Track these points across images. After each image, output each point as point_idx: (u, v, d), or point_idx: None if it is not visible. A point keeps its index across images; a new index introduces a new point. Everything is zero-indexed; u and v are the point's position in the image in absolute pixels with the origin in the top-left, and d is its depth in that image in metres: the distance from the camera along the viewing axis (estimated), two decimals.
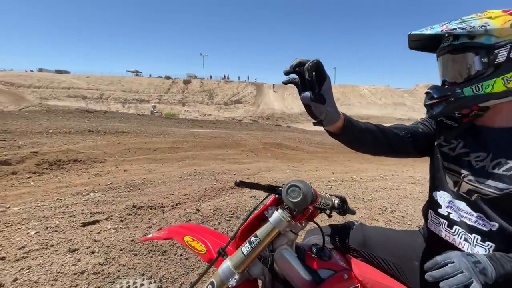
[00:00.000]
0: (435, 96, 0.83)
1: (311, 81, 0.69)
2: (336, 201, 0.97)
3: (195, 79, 54.84)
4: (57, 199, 3.20)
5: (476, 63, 0.77)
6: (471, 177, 0.82)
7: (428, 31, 0.82)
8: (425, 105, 0.86)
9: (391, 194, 4.14)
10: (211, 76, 56.73)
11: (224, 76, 55.01)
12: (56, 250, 2.02)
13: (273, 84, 48.03)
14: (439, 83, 0.88)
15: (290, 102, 43.41)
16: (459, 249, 0.82)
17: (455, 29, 0.77)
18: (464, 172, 0.84)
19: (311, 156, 8.34)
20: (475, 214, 0.80)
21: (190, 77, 56.06)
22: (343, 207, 1.01)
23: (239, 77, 52.97)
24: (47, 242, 2.15)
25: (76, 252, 1.95)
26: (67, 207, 2.95)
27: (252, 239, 0.76)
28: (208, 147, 8.07)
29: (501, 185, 0.74)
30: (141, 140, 7.66)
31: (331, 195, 0.99)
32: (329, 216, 0.95)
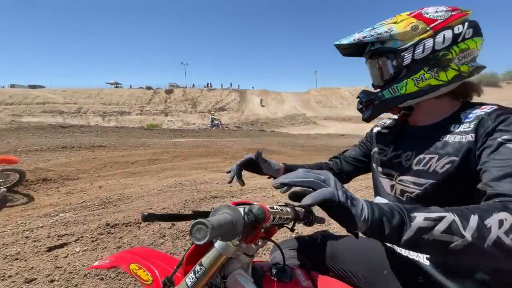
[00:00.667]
0: (364, 101, 0.86)
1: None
2: (301, 212, 0.91)
3: (177, 88, 54.21)
4: (21, 223, 2.95)
5: (388, 66, 0.82)
6: (401, 177, 0.82)
7: (345, 40, 0.86)
8: (358, 110, 0.90)
9: (372, 192, 4.18)
10: (193, 85, 56.31)
11: (207, 84, 54.77)
12: (13, 281, 1.83)
13: (261, 99, 47.81)
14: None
15: (274, 107, 43.79)
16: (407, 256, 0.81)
17: (365, 37, 0.81)
18: (395, 173, 0.85)
19: (294, 159, 8.35)
20: None
21: (172, 87, 55.35)
22: (308, 218, 0.95)
23: (222, 85, 53.03)
24: (4, 273, 1.95)
25: (33, 282, 1.77)
26: (32, 231, 2.72)
27: (197, 268, 0.67)
28: (190, 156, 7.90)
29: (422, 180, 0.75)
30: (118, 154, 7.37)
31: (295, 206, 0.92)
32: (291, 230, 0.88)
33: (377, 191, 0.96)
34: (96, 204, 3.68)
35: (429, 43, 0.75)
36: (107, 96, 49.96)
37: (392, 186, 0.87)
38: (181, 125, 32.60)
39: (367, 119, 0.87)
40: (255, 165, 1.11)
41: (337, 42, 0.88)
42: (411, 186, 0.78)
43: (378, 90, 0.84)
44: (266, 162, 1.12)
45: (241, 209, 0.62)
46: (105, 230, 2.76)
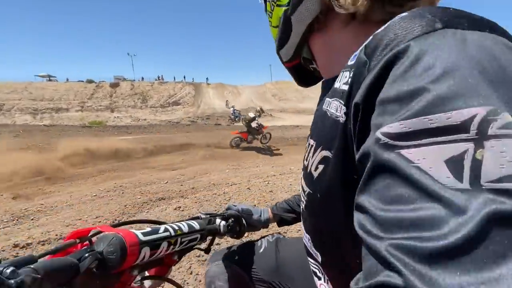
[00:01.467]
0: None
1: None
2: (222, 224, 0.68)
3: (124, 81, 49.70)
4: None
5: None
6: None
7: None
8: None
9: None
10: (142, 78, 52.26)
11: (158, 77, 51.36)
12: None
13: (207, 79, 46.80)
14: None
15: (231, 100, 43.22)
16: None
17: None
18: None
19: (252, 153, 8.22)
20: (306, 235, 0.50)
21: (118, 80, 50.55)
22: (234, 229, 0.72)
23: (174, 78, 50.22)
24: None
25: None
26: None
27: None
28: (136, 155, 7.16)
29: (303, 185, 0.44)
30: (44, 157, 6.29)
31: (214, 215, 0.71)
32: (206, 251, 0.66)
33: None
34: (5, 220, 2.98)
35: None
36: (38, 91, 43.41)
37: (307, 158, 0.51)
38: (130, 121, 30.05)
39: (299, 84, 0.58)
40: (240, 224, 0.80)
41: None
42: (301, 190, 0.48)
43: None
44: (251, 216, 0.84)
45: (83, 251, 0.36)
46: (11, 253, 2.20)
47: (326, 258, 0.43)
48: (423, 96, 0.20)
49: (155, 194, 3.67)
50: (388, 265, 0.17)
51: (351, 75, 0.29)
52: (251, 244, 0.85)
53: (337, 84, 0.34)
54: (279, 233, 0.90)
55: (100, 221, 2.87)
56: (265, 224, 0.86)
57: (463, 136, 0.18)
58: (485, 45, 0.21)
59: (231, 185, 4.04)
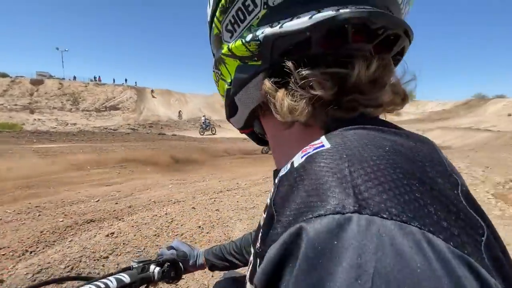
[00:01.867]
0: None
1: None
2: (157, 270, 0.66)
3: (50, 79, 43.11)
4: None
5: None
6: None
7: None
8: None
9: None
10: (75, 77, 46.26)
11: (94, 78, 46.18)
12: None
13: (152, 89, 44.02)
14: None
15: (177, 108, 41.49)
16: None
17: None
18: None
19: (198, 166, 7.95)
20: None
21: (43, 76, 43.59)
22: (169, 274, 0.71)
23: (114, 80, 45.73)
24: None
25: None
26: None
27: None
28: (60, 167, 6.20)
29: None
30: None
31: (148, 262, 0.68)
32: None
33: None
34: None
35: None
36: None
37: None
38: (55, 125, 25.94)
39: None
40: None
41: None
42: None
43: None
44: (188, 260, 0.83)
45: None
46: None
47: None
48: None
49: (83, 215, 3.20)
50: None
51: (266, 212, 0.26)
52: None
53: (267, 200, 0.28)
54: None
55: (4, 254, 2.35)
56: (200, 268, 0.87)
57: None
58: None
59: (174, 203, 3.81)
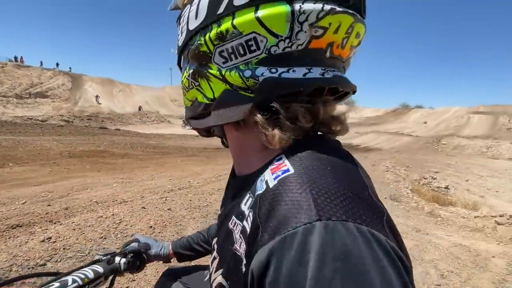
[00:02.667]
0: None
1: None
2: (123, 261, 0.71)
3: None
4: None
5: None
6: (214, 253, 0.50)
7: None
8: None
9: (223, 194, 4.40)
10: None
11: (15, 58, 39.01)
12: None
13: (97, 96, 36.13)
14: None
15: (121, 99, 37.97)
16: None
17: None
18: (214, 243, 0.52)
19: (145, 163, 7.50)
20: None
21: None
22: (135, 265, 0.76)
23: (41, 63, 39.28)
24: None
25: None
26: None
27: None
28: None
29: (216, 273, 0.44)
30: None
31: (113, 254, 0.72)
32: (109, 286, 0.66)
33: None
34: None
35: (184, 16, 0.43)
36: None
37: (212, 262, 0.50)
38: None
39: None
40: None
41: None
42: (212, 273, 0.47)
43: None
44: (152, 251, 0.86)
45: None
46: None
47: None
48: None
49: (5, 220, 2.77)
50: None
51: (250, 219, 0.35)
52: (202, 269, 0.88)
53: (244, 208, 0.38)
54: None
55: None
56: (165, 259, 0.89)
57: None
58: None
59: (121, 203, 3.57)
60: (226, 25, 0.36)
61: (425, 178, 8.38)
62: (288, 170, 0.34)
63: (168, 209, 3.36)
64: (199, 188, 4.66)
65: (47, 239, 2.19)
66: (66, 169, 5.73)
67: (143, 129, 18.73)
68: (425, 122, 33.91)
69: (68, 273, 0.55)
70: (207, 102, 0.42)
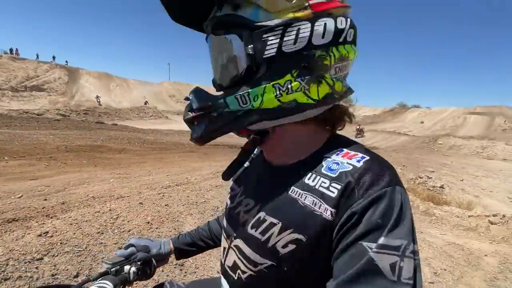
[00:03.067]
0: (195, 108, 0.50)
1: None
2: (132, 271, 0.68)
3: None
4: None
5: (239, 53, 0.47)
6: (235, 242, 0.57)
7: None
8: (185, 121, 0.53)
9: (222, 191, 4.41)
10: None
11: (11, 50, 38.52)
12: None
13: (97, 96, 33.24)
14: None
15: (118, 94, 37.70)
16: None
17: None
18: (232, 232, 0.59)
19: (143, 159, 7.47)
20: None
21: None
22: (145, 272, 0.73)
23: (37, 56, 38.84)
24: None
25: None
26: None
27: None
28: None
29: (257, 258, 0.51)
30: None
31: (121, 263, 0.69)
32: None
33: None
34: None
35: (305, 29, 0.46)
36: None
37: (224, 251, 0.62)
38: None
39: (198, 141, 0.52)
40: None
41: None
42: (245, 262, 0.53)
43: (221, 93, 0.52)
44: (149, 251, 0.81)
45: None
46: None
47: None
48: (387, 229, 0.40)
49: (1, 214, 2.76)
50: None
51: (338, 188, 0.45)
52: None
53: (312, 183, 0.49)
54: (171, 282, 0.86)
55: None
56: (166, 256, 0.85)
57: (397, 253, 0.39)
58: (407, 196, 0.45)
59: (118, 199, 3.56)
60: (343, 51, 0.50)
61: (420, 177, 8.46)
62: (365, 157, 0.48)
63: (165, 205, 3.36)
64: (197, 185, 4.67)
65: (44, 233, 2.19)
66: (62, 163, 5.70)
67: (141, 125, 18.64)
68: (422, 122, 34.12)
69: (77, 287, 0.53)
70: (309, 102, 0.49)
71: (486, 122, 29.02)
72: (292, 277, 0.48)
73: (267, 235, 0.50)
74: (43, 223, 2.47)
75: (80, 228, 2.37)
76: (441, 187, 7.72)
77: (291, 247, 0.47)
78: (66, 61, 41.59)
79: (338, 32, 0.48)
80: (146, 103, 33.46)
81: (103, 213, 2.82)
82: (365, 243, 0.39)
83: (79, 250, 2.06)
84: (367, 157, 0.48)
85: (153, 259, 0.77)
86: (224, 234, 0.64)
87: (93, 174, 5.09)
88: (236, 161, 0.60)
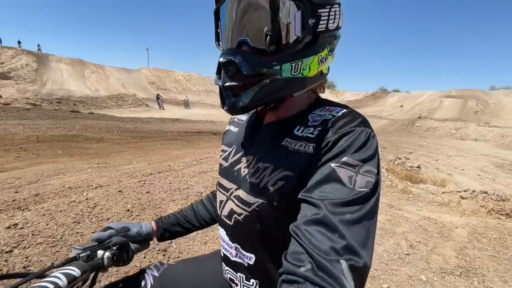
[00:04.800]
0: (245, 73, 0.49)
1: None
2: (106, 255, 0.62)
3: None
4: None
5: (296, 23, 0.49)
6: (236, 192, 0.62)
7: None
8: (224, 88, 0.52)
9: (206, 177, 4.37)
10: None
11: None
12: None
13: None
14: (224, 42, 0.57)
15: (95, 82, 35.68)
16: None
17: None
18: (232, 186, 0.64)
19: (122, 148, 7.21)
20: (233, 245, 0.63)
21: None
22: (121, 257, 0.66)
23: (0, 40, 35.70)
24: None
25: None
26: None
27: None
28: None
29: (251, 199, 0.57)
30: None
31: (93, 248, 0.63)
32: (91, 283, 0.60)
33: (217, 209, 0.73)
34: None
35: (338, 12, 0.54)
36: None
37: (221, 203, 0.67)
38: None
39: (243, 109, 0.52)
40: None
41: None
42: (240, 205, 0.60)
43: (266, 58, 0.51)
44: (132, 234, 0.77)
45: None
46: None
47: (261, 256, 0.59)
48: (350, 152, 0.48)
49: None
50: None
51: (319, 129, 0.53)
52: (133, 280, 0.74)
53: (300, 134, 0.55)
54: (160, 262, 0.81)
55: None
56: (148, 237, 0.80)
57: (353, 170, 0.46)
58: (375, 137, 0.52)
59: (96, 188, 3.43)
60: (338, 38, 0.59)
61: (399, 159, 8.80)
62: (343, 109, 0.55)
63: (146, 192, 3.28)
64: (180, 171, 4.59)
65: (13, 225, 2.06)
66: (34, 154, 5.38)
67: (120, 113, 17.89)
68: (402, 106, 35.22)
69: (38, 275, 0.48)
70: (325, 73, 0.61)
71: (460, 105, 30.41)
72: (280, 210, 0.54)
73: (260, 178, 0.56)
74: (13, 216, 2.33)
75: (54, 219, 2.26)
76: (418, 167, 8.09)
77: (280, 183, 0.53)
78: (39, 45, 38.43)
79: (342, 17, 0.57)
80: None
81: (79, 202, 2.70)
82: (331, 163, 0.47)
83: (53, 241, 1.96)
84: (345, 110, 0.55)
85: (130, 244, 0.70)
86: (221, 190, 0.68)
87: (69, 164, 4.85)
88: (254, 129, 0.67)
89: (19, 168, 4.39)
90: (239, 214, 0.60)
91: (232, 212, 0.63)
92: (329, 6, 0.52)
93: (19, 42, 36.56)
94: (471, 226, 3.34)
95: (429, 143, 12.72)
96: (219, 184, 0.70)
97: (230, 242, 0.64)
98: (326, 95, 0.68)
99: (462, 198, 4.49)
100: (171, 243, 2.41)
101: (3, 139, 6.19)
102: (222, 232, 0.68)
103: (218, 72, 0.54)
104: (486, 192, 4.58)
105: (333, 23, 0.54)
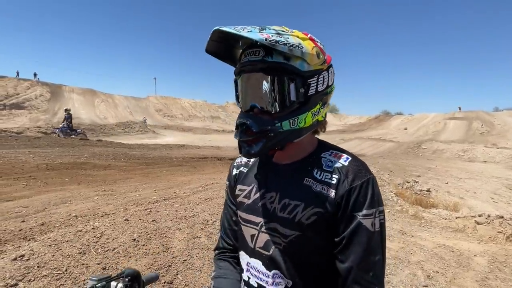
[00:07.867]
0: (255, 131, 0.66)
1: None
2: (120, 286, 0.66)
3: None
4: None
5: (291, 91, 0.66)
6: (268, 225, 0.73)
7: (245, 33, 0.61)
8: (240, 141, 0.69)
9: (211, 204, 4.31)
10: None
11: None
12: None
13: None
14: (242, 103, 0.74)
15: (103, 110, 36.92)
16: None
17: (278, 42, 0.61)
18: (260, 219, 0.74)
19: (129, 175, 7.25)
20: (270, 273, 0.71)
21: None
22: None
23: (18, 73, 37.73)
24: None
25: None
26: None
27: None
28: None
29: (287, 231, 0.69)
30: None
31: (108, 279, 0.66)
32: None
33: (240, 244, 0.82)
34: None
35: (326, 75, 0.71)
36: None
37: (253, 237, 0.76)
38: None
39: (254, 154, 0.69)
40: None
41: (228, 30, 0.61)
42: (278, 236, 0.70)
43: (270, 118, 0.67)
44: None
45: None
46: None
47: (299, 280, 0.69)
48: (366, 204, 0.66)
49: None
50: None
51: (336, 177, 0.68)
52: None
53: (319, 177, 0.70)
54: None
55: None
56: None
57: (372, 217, 0.66)
58: (375, 179, 0.69)
59: (103, 217, 3.41)
60: (333, 88, 0.76)
61: (408, 182, 8.62)
62: (349, 157, 0.72)
63: (152, 221, 3.24)
64: (186, 198, 4.55)
65: (19, 257, 2.03)
66: (43, 182, 5.44)
67: (127, 140, 18.23)
68: (406, 128, 35.20)
69: None
70: (321, 120, 0.76)
71: (464, 127, 30.28)
72: (314, 241, 0.68)
73: (293, 214, 0.68)
74: (19, 246, 2.30)
75: (60, 249, 2.22)
76: (428, 190, 7.88)
77: (313, 218, 0.67)
78: (35, 73, 39.83)
79: (333, 75, 0.75)
80: (145, 121, 33.41)
81: (85, 232, 2.68)
82: (354, 213, 0.65)
83: (58, 273, 1.92)
84: (350, 158, 0.72)
85: (141, 275, 0.74)
86: (250, 225, 0.77)
87: (76, 192, 4.87)
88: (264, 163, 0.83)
89: (27, 197, 4.42)
90: (279, 244, 0.70)
91: (269, 243, 0.72)
92: (317, 75, 0.69)
93: (35, 74, 38.65)
94: (490, 254, 3.16)
95: (437, 165, 12.50)
96: (246, 220, 0.79)
97: (267, 271, 0.72)
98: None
99: (478, 223, 4.31)
100: (177, 274, 2.33)
101: (14, 168, 6.31)
102: (256, 263, 0.75)
103: (236, 129, 0.70)
104: (502, 217, 4.39)
105: (322, 85, 0.71)
